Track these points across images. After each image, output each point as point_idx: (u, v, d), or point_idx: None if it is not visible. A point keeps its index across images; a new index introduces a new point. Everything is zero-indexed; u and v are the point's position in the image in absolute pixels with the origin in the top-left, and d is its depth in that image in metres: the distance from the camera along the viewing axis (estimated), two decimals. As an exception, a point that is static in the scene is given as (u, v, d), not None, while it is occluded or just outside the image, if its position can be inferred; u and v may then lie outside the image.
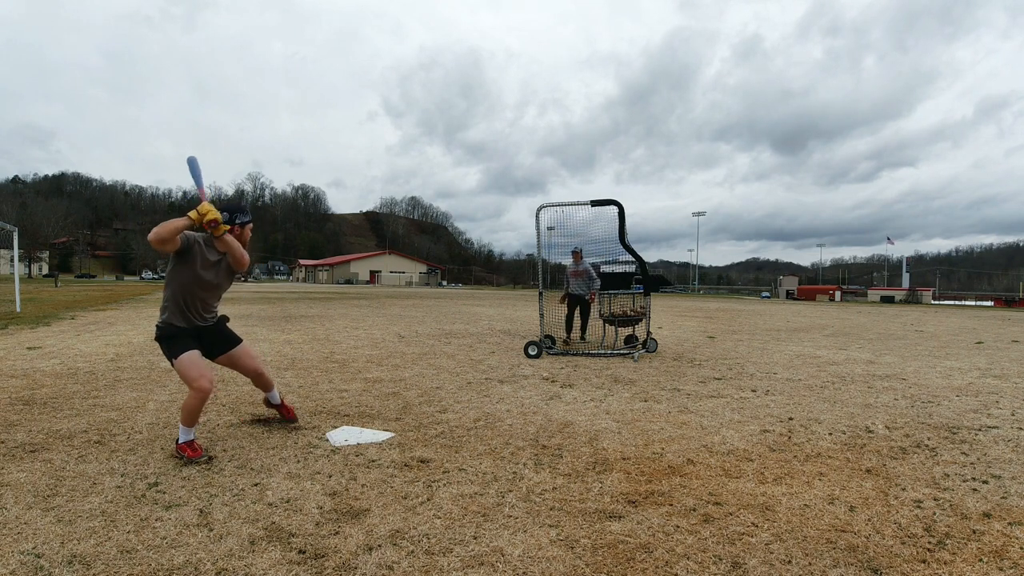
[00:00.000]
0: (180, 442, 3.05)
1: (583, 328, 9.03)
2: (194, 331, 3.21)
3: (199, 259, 3.10)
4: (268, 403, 3.78)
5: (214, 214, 3.04)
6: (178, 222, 2.95)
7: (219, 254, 3.20)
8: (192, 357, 3.09)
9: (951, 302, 48.88)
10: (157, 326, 3.18)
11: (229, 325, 3.52)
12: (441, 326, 11.69)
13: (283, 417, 3.79)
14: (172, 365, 3.10)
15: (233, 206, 3.23)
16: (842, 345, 9.53)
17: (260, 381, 3.62)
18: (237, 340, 3.48)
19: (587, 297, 8.77)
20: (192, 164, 3.24)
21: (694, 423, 4.02)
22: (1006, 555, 2.13)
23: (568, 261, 8.92)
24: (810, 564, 2.04)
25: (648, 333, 7.68)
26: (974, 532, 2.33)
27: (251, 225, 3.33)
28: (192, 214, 3.00)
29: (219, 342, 3.39)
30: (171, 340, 3.11)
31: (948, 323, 16.60)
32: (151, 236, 2.90)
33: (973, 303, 47.44)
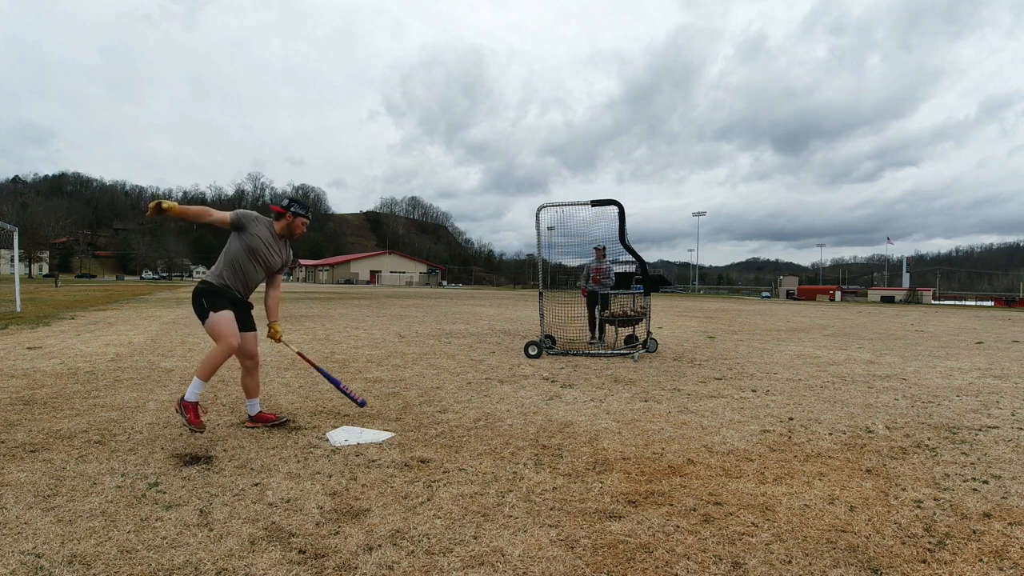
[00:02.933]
0: (187, 399, 3.09)
1: (601, 328, 8.70)
2: (233, 298, 3.46)
3: (257, 238, 3.45)
4: (250, 419, 3.74)
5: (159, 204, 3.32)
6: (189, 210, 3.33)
7: (276, 240, 3.57)
8: (229, 315, 3.34)
9: (951, 302, 48.85)
10: (206, 281, 3.41)
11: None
12: (441, 326, 11.69)
13: (269, 422, 3.73)
14: (203, 318, 3.29)
15: (294, 199, 3.72)
16: (842, 345, 9.53)
17: (253, 377, 3.69)
18: (254, 327, 3.69)
19: (593, 281, 8.71)
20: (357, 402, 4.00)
21: (694, 423, 4.02)
22: (1006, 555, 2.13)
23: (574, 261, 8.90)
24: (810, 564, 2.04)
25: (648, 333, 7.68)
26: (974, 532, 2.32)
27: (304, 219, 3.66)
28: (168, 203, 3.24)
29: (246, 320, 3.59)
30: (213, 295, 3.34)
31: (948, 323, 16.60)
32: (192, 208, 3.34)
33: (973, 303, 47.41)
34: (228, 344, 3.23)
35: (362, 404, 3.98)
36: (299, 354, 4.00)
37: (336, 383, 3.95)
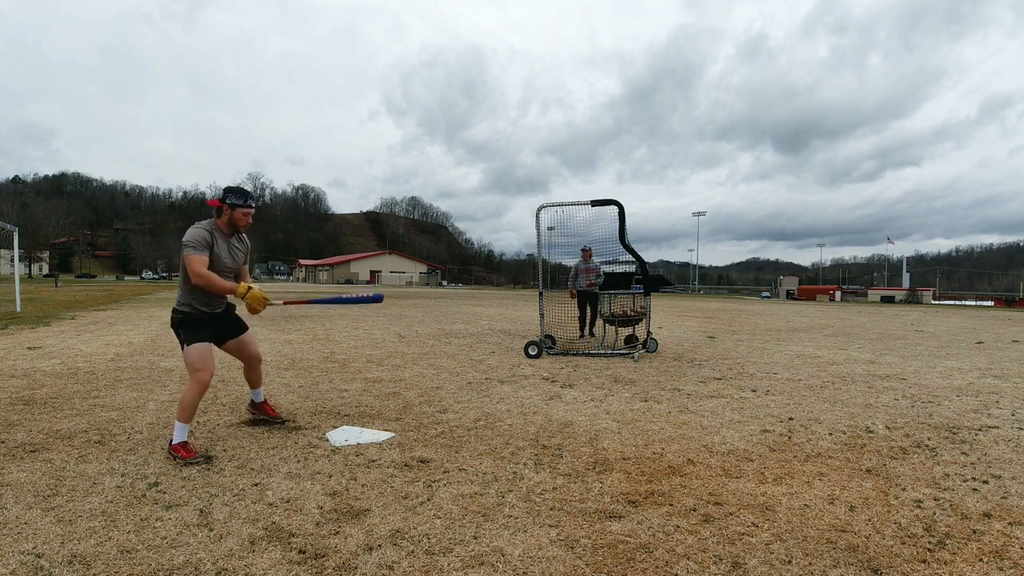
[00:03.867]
0: (174, 443, 3.05)
1: (591, 323, 9.26)
2: (210, 317, 3.30)
3: (215, 251, 3.22)
4: (252, 405, 3.79)
5: (255, 304, 3.20)
6: (226, 288, 3.12)
7: (227, 240, 3.30)
8: (203, 349, 3.18)
9: (951, 302, 48.83)
10: (176, 310, 3.23)
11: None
12: (441, 326, 11.69)
13: (268, 416, 3.77)
14: (183, 348, 3.19)
15: (230, 188, 3.30)
16: (842, 345, 9.53)
17: (256, 372, 3.70)
18: (245, 327, 3.58)
19: (587, 285, 9.15)
20: (373, 299, 3.65)
21: (694, 423, 4.02)
22: (1006, 555, 2.13)
23: (573, 260, 9.34)
24: (810, 564, 2.04)
25: (648, 333, 7.68)
26: (974, 532, 2.33)
27: (245, 210, 3.25)
28: (242, 288, 3.12)
29: (230, 327, 3.48)
30: (189, 327, 3.20)
31: (948, 323, 16.59)
32: (198, 282, 3.08)
33: (973, 303, 47.37)
34: (199, 382, 3.09)
35: (379, 299, 3.65)
36: (285, 303, 3.74)
37: (343, 300, 3.65)
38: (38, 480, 2.70)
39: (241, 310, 3.57)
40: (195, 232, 3.13)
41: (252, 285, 3.15)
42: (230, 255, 3.30)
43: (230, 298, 3.48)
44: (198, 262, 3.06)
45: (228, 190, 3.25)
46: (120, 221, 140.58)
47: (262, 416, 3.79)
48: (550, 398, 4.79)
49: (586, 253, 9.12)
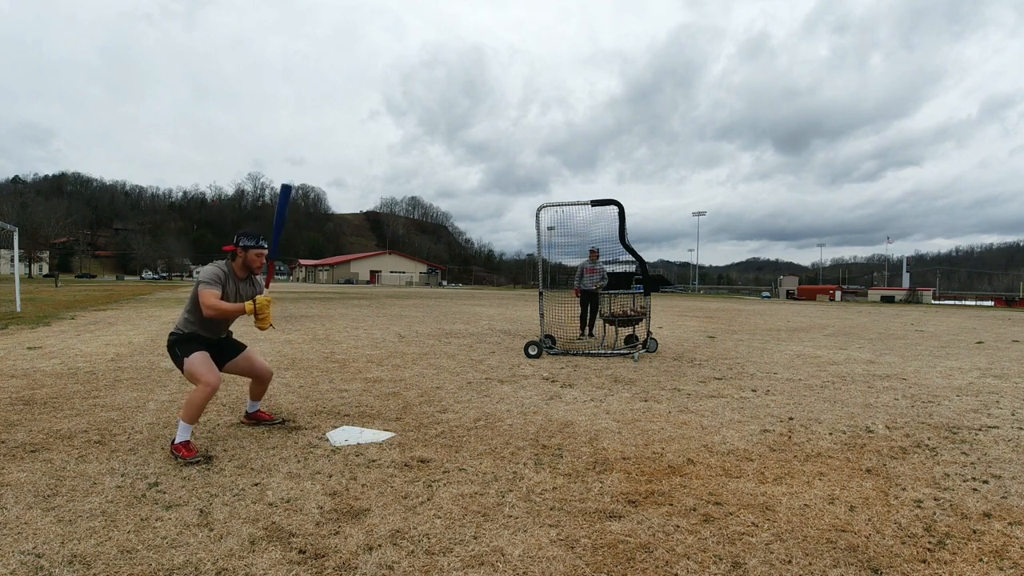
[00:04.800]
0: (176, 442, 3.06)
1: (591, 323, 9.37)
2: (207, 341, 3.37)
3: (226, 290, 3.31)
4: (246, 415, 3.81)
5: (266, 319, 3.31)
6: (234, 308, 3.20)
7: (239, 283, 3.40)
8: (203, 356, 3.23)
9: (951, 302, 48.80)
10: (172, 333, 3.31)
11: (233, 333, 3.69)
12: (441, 326, 11.69)
13: (264, 420, 3.78)
14: (182, 367, 3.19)
15: (242, 231, 3.41)
16: (842, 345, 9.53)
17: (264, 386, 3.73)
18: (243, 345, 3.63)
19: (594, 287, 9.22)
20: (285, 193, 3.57)
21: (694, 423, 4.02)
22: (1006, 555, 2.13)
23: (574, 261, 9.50)
24: (810, 564, 2.04)
25: (648, 333, 7.68)
26: (974, 532, 2.33)
27: (257, 251, 3.36)
28: (248, 306, 3.21)
29: (227, 350, 3.53)
30: (184, 343, 3.26)
31: (948, 323, 16.59)
32: (209, 313, 3.15)
33: (973, 303, 47.34)
34: (208, 384, 3.10)
35: (290, 187, 3.63)
36: (269, 272, 3.65)
37: (280, 220, 3.60)
38: (38, 480, 2.70)
39: (250, 331, 3.59)
40: (210, 269, 3.27)
41: (255, 299, 3.24)
42: (237, 297, 3.38)
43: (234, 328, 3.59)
44: (210, 295, 3.16)
45: (240, 233, 3.38)
46: (120, 221, 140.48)
47: (258, 421, 3.80)
48: (550, 398, 4.79)
49: (593, 254, 9.18)
